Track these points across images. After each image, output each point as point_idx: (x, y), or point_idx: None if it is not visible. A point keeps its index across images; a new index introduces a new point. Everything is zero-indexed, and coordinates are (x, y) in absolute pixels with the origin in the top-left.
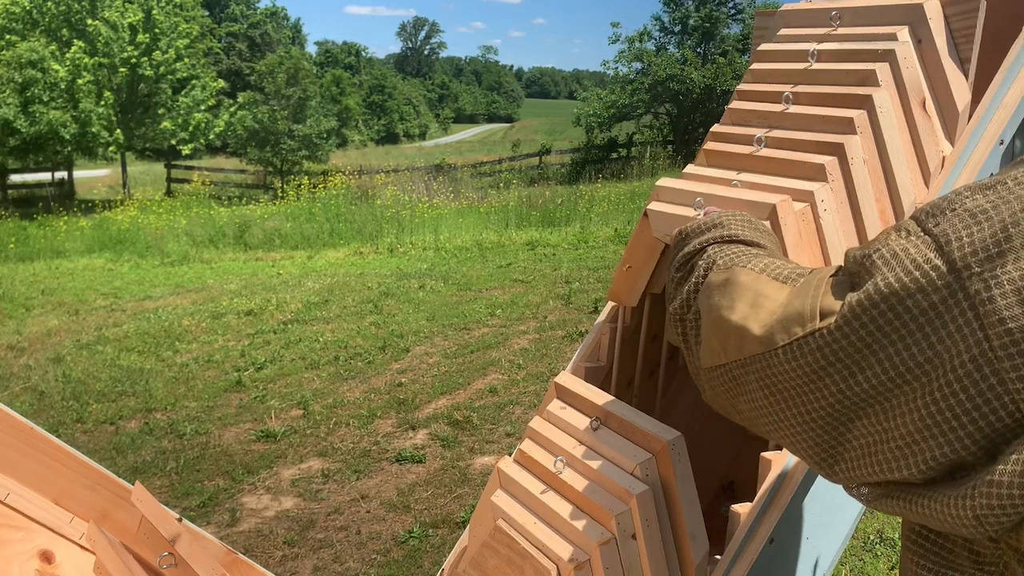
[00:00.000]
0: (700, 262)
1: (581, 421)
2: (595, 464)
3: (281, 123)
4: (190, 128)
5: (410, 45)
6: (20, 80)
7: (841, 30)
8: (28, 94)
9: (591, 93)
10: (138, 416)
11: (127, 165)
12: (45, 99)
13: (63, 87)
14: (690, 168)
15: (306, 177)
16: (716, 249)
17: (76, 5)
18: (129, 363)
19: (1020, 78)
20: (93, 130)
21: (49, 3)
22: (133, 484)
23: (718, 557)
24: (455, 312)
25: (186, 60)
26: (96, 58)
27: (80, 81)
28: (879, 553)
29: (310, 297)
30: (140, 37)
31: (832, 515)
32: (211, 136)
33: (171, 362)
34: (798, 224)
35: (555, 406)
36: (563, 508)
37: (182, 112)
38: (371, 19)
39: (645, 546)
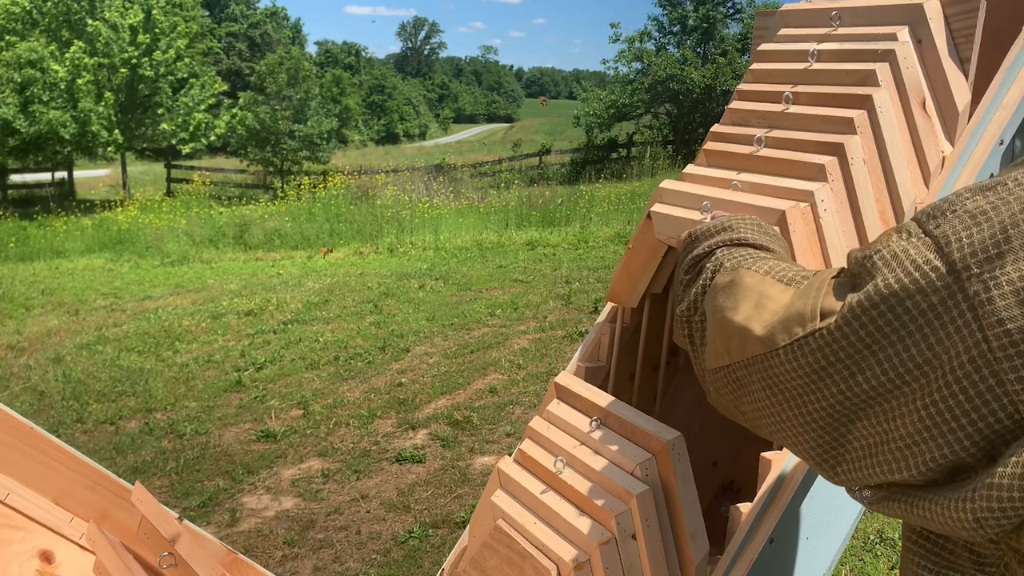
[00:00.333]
0: (708, 265)
1: (581, 421)
2: (595, 464)
3: (282, 123)
4: (190, 128)
5: (410, 45)
6: (19, 80)
7: (841, 30)
8: (28, 94)
9: (591, 93)
10: (138, 416)
11: (127, 165)
12: (45, 99)
13: (63, 87)
14: (690, 168)
15: (306, 177)
16: (724, 252)
17: (75, 5)
18: (129, 363)
19: (1020, 78)
20: (93, 129)
21: (48, 3)
22: (133, 484)
23: (718, 557)
24: (455, 312)
25: (186, 60)
26: (96, 58)
27: (80, 81)
28: (879, 553)
29: (310, 297)
30: (140, 37)
31: (832, 515)
32: (212, 137)
33: (171, 362)
34: (807, 230)
35: (555, 406)
36: (563, 508)
37: (182, 112)
38: (371, 19)
39: (645, 546)
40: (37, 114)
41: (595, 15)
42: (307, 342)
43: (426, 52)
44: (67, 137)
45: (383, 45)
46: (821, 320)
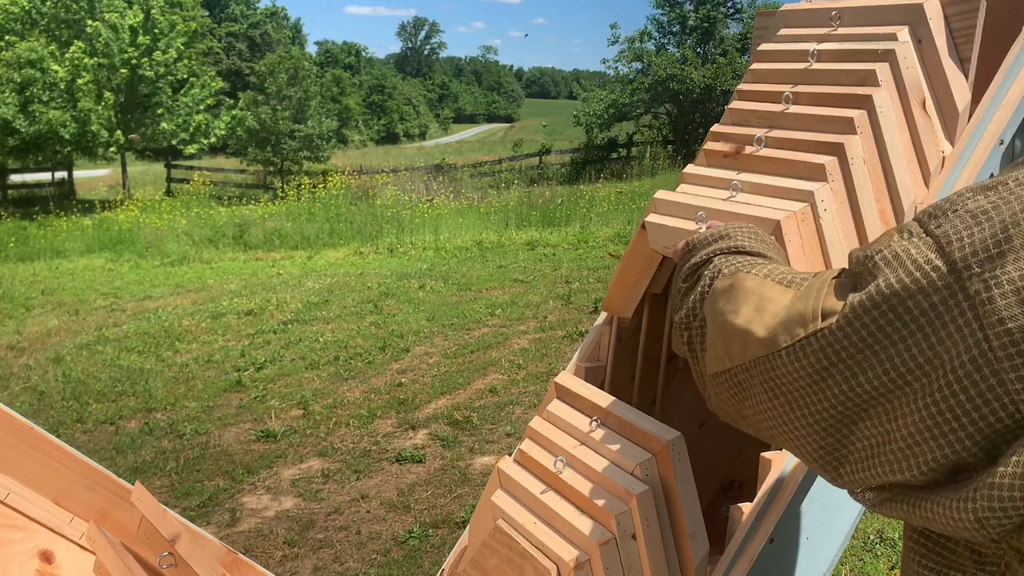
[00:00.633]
0: (706, 272)
1: (581, 421)
2: (595, 464)
3: (283, 123)
4: (190, 129)
5: (410, 45)
6: (19, 80)
7: (841, 30)
8: (27, 94)
9: (591, 93)
10: (138, 416)
11: (127, 165)
12: (44, 99)
13: (63, 87)
14: (690, 168)
15: (306, 177)
16: (722, 259)
17: (75, 5)
18: (129, 363)
19: (1020, 78)
20: (93, 129)
21: (47, 3)
22: (133, 484)
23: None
24: (455, 312)
25: (186, 60)
26: (96, 58)
27: (80, 81)
28: (879, 553)
29: (310, 297)
30: (141, 38)
31: (832, 515)
32: (212, 138)
33: (171, 362)
34: (801, 239)
35: (555, 406)
36: (563, 508)
37: (182, 112)
38: (371, 19)
39: (645, 546)
40: (37, 114)
41: (595, 15)
42: (307, 342)
43: (426, 52)
44: (67, 137)
45: (383, 45)
46: (823, 320)
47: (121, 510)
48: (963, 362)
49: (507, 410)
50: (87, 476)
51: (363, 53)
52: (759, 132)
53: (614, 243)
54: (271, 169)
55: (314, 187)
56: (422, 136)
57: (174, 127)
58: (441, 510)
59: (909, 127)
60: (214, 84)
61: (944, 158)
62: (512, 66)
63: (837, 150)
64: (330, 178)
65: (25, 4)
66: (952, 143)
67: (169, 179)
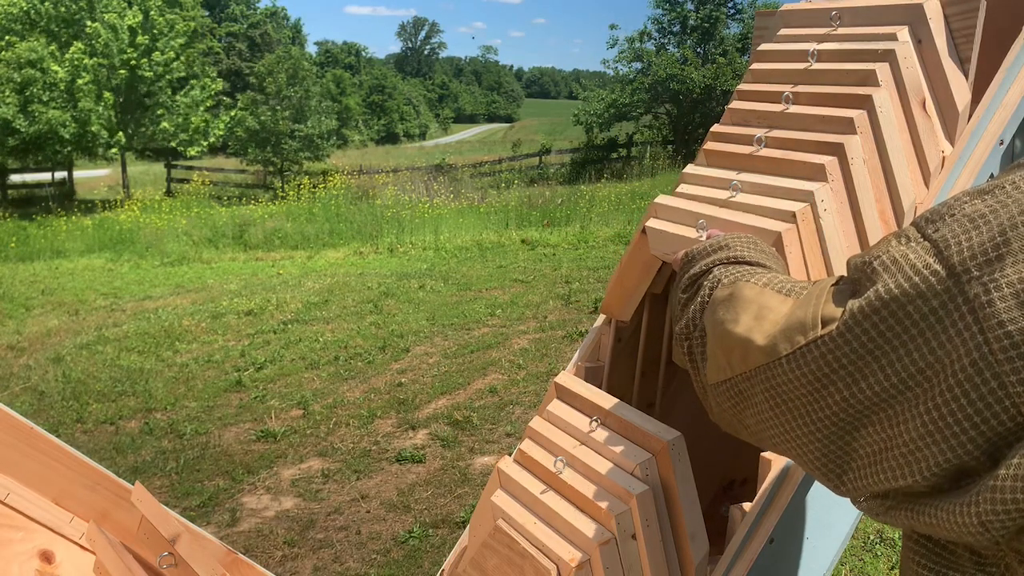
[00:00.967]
0: (706, 282)
1: (581, 421)
2: (595, 464)
3: (283, 123)
4: (190, 130)
5: (410, 45)
6: (19, 80)
7: (841, 30)
8: (27, 94)
9: (591, 92)
10: (138, 416)
11: (127, 165)
12: (44, 99)
13: (62, 87)
14: (690, 168)
15: (306, 177)
16: (722, 269)
17: (74, 6)
18: (129, 363)
19: (1020, 78)
20: (93, 129)
21: (47, 4)
22: (133, 484)
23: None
24: (455, 312)
25: (183, 60)
26: (95, 59)
27: (80, 81)
28: (879, 553)
29: (310, 297)
30: (140, 39)
31: (832, 515)
32: (212, 139)
33: (171, 362)
34: (802, 244)
35: (555, 406)
36: (563, 508)
37: (181, 112)
38: (371, 19)
39: (645, 546)
40: (37, 114)
41: (595, 15)
42: (307, 342)
43: (426, 52)
44: (67, 137)
45: (383, 45)
46: (823, 327)
47: (121, 510)
48: (964, 366)
49: (507, 410)
50: (87, 476)
51: (363, 53)
52: (759, 132)
53: (614, 243)
54: (271, 169)
55: (314, 187)
56: (422, 136)
57: (174, 128)
58: (441, 510)
59: (909, 127)
60: (214, 86)
61: (944, 158)
62: (512, 66)
63: (837, 150)
64: (330, 178)
65: (24, 4)
66: (952, 143)
67: (169, 179)
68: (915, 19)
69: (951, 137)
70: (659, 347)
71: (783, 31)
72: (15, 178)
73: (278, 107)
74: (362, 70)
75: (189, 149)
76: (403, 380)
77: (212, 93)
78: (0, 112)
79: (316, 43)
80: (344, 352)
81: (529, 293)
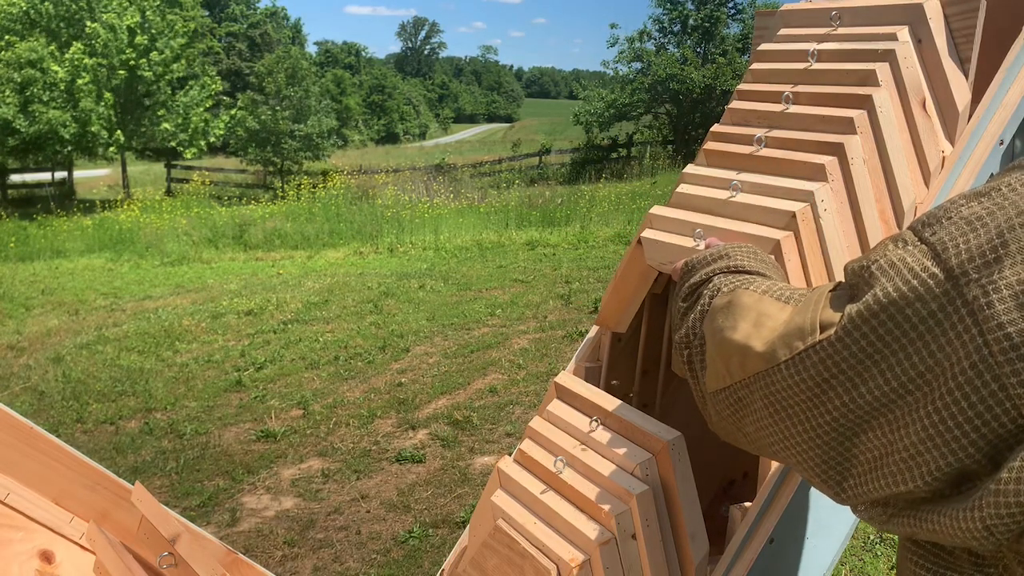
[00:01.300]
0: (705, 291)
1: (581, 421)
2: (595, 464)
3: (283, 123)
4: (190, 129)
5: (410, 45)
6: (19, 80)
7: (841, 30)
8: (28, 94)
9: (591, 92)
10: (138, 416)
11: (127, 165)
12: (44, 99)
13: (62, 87)
14: (690, 168)
15: (306, 177)
16: (721, 278)
17: (74, 6)
18: (129, 363)
19: (1020, 78)
20: (93, 130)
21: (47, 4)
22: (133, 484)
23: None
24: (455, 312)
25: (183, 61)
26: (95, 59)
27: (80, 81)
28: (879, 553)
29: (310, 297)
30: (138, 39)
31: (832, 515)
32: (211, 139)
33: (171, 362)
34: (800, 260)
35: (555, 406)
36: (563, 508)
37: (181, 112)
38: (371, 19)
39: (645, 546)
40: (37, 114)
41: (595, 15)
42: (307, 342)
43: (426, 52)
44: (67, 137)
45: (383, 45)
46: (821, 332)
47: (121, 510)
48: (964, 368)
49: (507, 410)
50: (87, 476)
51: (363, 53)
52: (759, 132)
53: (614, 243)
54: (271, 169)
55: (314, 187)
56: (422, 136)
57: (174, 127)
58: (441, 510)
59: (909, 127)
60: (214, 86)
61: (944, 158)
62: (512, 66)
63: (837, 150)
64: (330, 178)
65: (23, 4)
66: (952, 143)
67: (169, 179)
68: (915, 19)
69: (951, 137)
70: (659, 347)
71: (783, 31)
72: (15, 178)
73: (278, 107)
74: (362, 70)
75: (188, 149)
76: (403, 380)
77: (212, 93)
78: (0, 112)
79: (316, 43)
80: (344, 352)
81: (529, 293)
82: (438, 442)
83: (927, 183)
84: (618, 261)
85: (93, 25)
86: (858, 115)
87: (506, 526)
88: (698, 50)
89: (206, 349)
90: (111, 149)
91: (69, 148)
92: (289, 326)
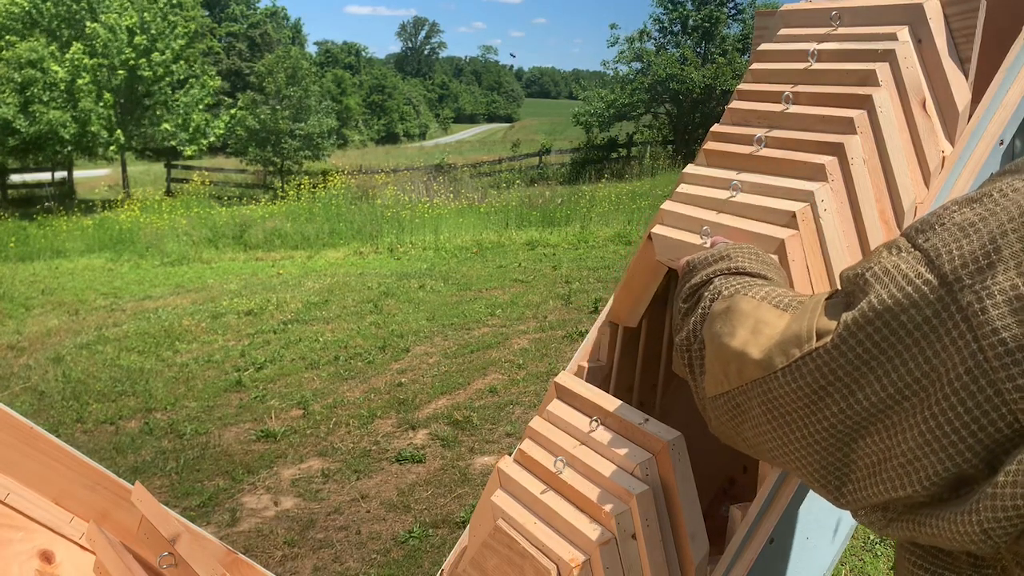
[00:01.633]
0: (706, 293)
1: (581, 421)
2: (595, 464)
3: (283, 123)
4: (190, 129)
5: (410, 45)
6: (19, 80)
7: (841, 30)
8: (28, 94)
9: (591, 92)
10: (138, 416)
11: (127, 165)
12: (45, 99)
13: (62, 87)
14: (690, 168)
15: (306, 177)
16: (722, 280)
17: (75, 6)
18: (129, 363)
19: (1020, 78)
20: (93, 129)
21: (48, 4)
22: (133, 484)
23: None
24: (455, 312)
25: (183, 63)
26: (96, 59)
27: (80, 82)
28: (879, 553)
29: (310, 297)
30: (138, 39)
31: (832, 515)
32: (212, 138)
33: (171, 362)
34: (805, 259)
35: (555, 406)
36: (563, 508)
37: (180, 112)
38: (371, 19)
39: (645, 546)
40: (37, 114)
41: (595, 15)
42: (307, 342)
43: (426, 52)
44: (67, 137)
45: (383, 45)
46: (817, 340)
47: (121, 510)
48: (959, 374)
49: (507, 410)
50: (87, 476)
51: (363, 53)
52: (759, 132)
53: (614, 243)
54: (271, 169)
55: (314, 187)
56: (422, 136)
57: (173, 127)
58: (441, 510)
59: (909, 127)
60: (213, 84)
61: (944, 158)
62: (512, 66)
63: (837, 150)
64: (330, 178)
65: (25, 4)
66: (952, 143)
67: (169, 179)
68: (915, 19)
69: (951, 137)
70: (659, 346)
71: (783, 31)
72: (15, 178)
73: (278, 107)
74: (362, 70)
75: (188, 148)
76: (403, 380)
77: (212, 91)
78: (0, 112)
79: (316, 43)
80: (344, 352)
81: (529, 293)
82: (438, 442)
83: (927, 183)
84: (618, 261)
85: (93, 25)
86: (858, 115)
87: (506, 526)
88: (698, 50)
89: (206, 349)
90: (111, 149)
91: (69, 148)
92: (289, 326)
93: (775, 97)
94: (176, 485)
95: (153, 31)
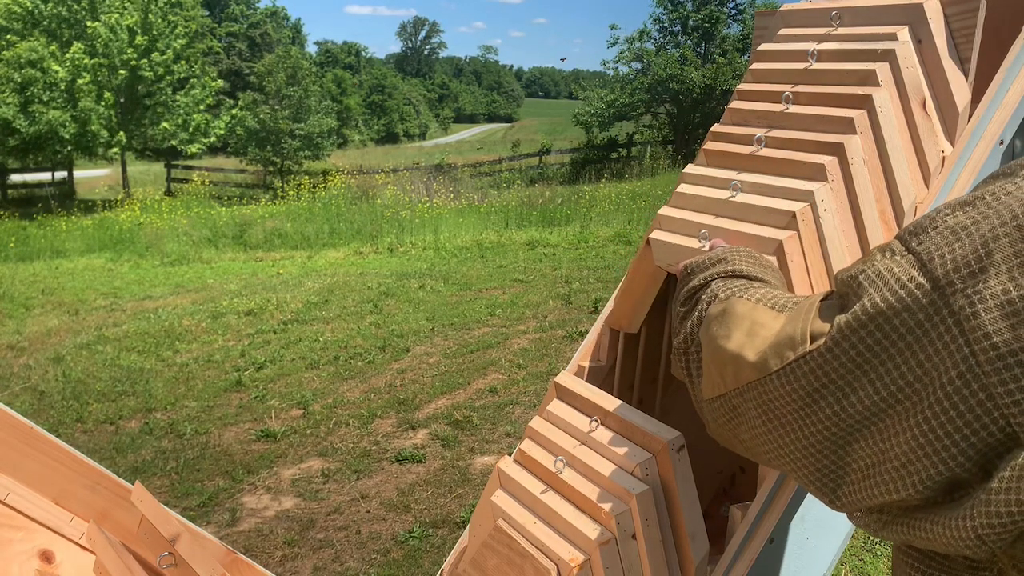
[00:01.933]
0: (703, 296)
1: (581, 421)
2: (595, 464)
3: (283, 123)
4: (190, 129)
5: (410, 45)
6: (19, 80)
7: (841, 30)
8: (28, 94)
9: (591, 92)
10: (138, 416)
11: (127, 165)
12: (45, 99)
13: (63, 87)
14: (690, 168)
15: (306, 177)
16: (719, 283)
17: (76, 6)
18: (129, 363)
19: (1020, 78)
20: (93, 129)
21: (49, 3)
22: (133, 484)
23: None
24: (455, 312)
25: (183, 62)
26: (96, 59)
27: (80, 81)
28: (879, 553)
29: (310, 297)
30: (138, 39)
31: (832, 515)
32: (212, 138)
33: (171, 362)
34: (803, 260)
35: (555, 406)
36: (563, 508)
37: (181, 112)
38: (371, 19)
39: (645, 546)
40: (37, 114)
41: (595, 15)
42: (307, 342)
43: (426, 52)
44: (67, 137)
45: (383, 45)
46: (811, 343)
47: (121, 510)
48: (951, 378)
49: (507, 410)
50: (87, 476)
51: (363, 53)
52: (759, 132)
53: (614, 243)
54: (271, 169)
55: (314, 187)
56: (422, 136)
57: (174, 127)
58: (441, 510)
59: (909, 127)
60: (214, 84)
61: (944, 158)
62: (512, 66)
63: (837, 150)
64: (330, 178)
65: (27, 4)
66: (952, 143)
67: (169, 179)
68: (915, 19)
69: (951, 137)
70: (659, 347)
71: (783, 31)
72: (15, 178)
73: (278, 107)
74: (362, 70)
75: (189, 147)
76: (403, 380)
77: (212, 92)
78: (0, 112)
79: (316, 43)
80: (344, 352)
81: (529, 293)
82: (438, 442)
83: (927, 183)
84: (618, 261)
85: (93, 25)
86: (858, 115)
87: (506, 526)
88: (698, 50)
89: (206, 349)
90: (112, 150)
91: (69, 148)
92: (289, 326)
93: (775, 97)
94: (176, 485)
95: (154, 31)
